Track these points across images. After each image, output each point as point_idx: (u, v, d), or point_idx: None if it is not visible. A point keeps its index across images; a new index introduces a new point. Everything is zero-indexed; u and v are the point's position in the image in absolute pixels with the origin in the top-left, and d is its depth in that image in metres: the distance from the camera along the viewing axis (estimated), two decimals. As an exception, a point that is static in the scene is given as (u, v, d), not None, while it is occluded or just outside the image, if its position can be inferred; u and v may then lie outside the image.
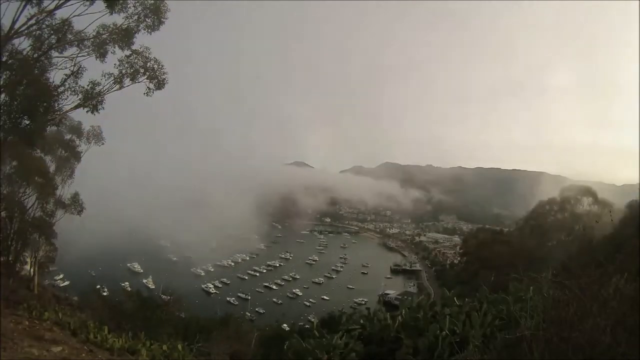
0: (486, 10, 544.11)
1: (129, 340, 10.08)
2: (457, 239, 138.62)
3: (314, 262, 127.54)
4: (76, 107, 13.99)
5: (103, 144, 28.09)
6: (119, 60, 14.39)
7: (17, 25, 12.14)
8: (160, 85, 14.94)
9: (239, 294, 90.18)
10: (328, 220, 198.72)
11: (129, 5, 13.98)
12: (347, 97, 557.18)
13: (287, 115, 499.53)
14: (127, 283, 79.77)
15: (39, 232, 30.06)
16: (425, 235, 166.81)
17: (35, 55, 13.29)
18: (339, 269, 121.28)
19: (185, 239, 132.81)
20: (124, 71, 14.42)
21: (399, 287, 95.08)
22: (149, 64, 14.58)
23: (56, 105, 13.51)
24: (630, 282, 4.56)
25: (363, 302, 77.77)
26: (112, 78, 14.31)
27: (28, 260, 31.20)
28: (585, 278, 4.45)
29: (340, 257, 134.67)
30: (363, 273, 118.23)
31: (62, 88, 13.44)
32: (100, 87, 14.15)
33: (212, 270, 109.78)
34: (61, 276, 69.26)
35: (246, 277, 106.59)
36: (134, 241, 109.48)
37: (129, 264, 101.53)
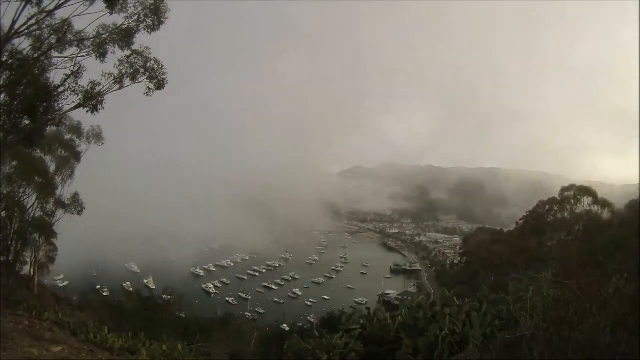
0: (479, 6, 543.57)
1: (129, 340, 10.10)
2: (457, 239, 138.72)
3: (314, 262, 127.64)
4: (76, 107, 13.95)
5: (103, 144, 28.09)
6: (119, 60, 14.36)
7: (17, 25, 12.13)
8: (160, 85, 14.93)
9: (239, 294, 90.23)
10: (328, 220, 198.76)
11: (129, 5, 13.96)
12: (347, 97, 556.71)
13: (285, 115, 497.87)
14: (128, 283, 79.95)
15: (39, 232, 30.07)
16: (425, 235, 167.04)
17: (35, 55, 13.26)
18: (339, 269, 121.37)
19: (185, 239, 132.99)
20: (124, 71, 14.41)
21: (398, 287, 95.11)
22: (149, 64, 14.56)
23: (56, 105, 13.47)
24: (630, 282, 4.56)
25: (363, 302, 77.85)
26: (112, 78, 14.30)
27: (28, 260, 31.18)
28: (585, 278, 4.46)
29: (340, 257, 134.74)
30: (363, 273, 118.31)
31: (62, 88, 13.41)
32: (100, 87, 14.12)
33: (213, 270, 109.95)
34: (61, 276, 69.23)
35: (246, 277, 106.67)
36: (134, 241, 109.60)
37: (126, 264, 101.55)
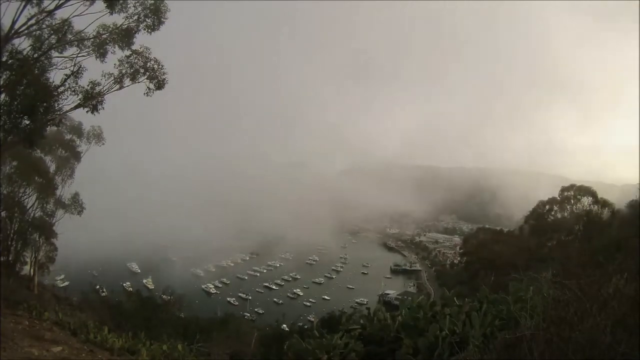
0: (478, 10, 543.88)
1: (129, 340, 10.10)
2: (457, 239, 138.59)
3: (314, 262, 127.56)
4: (76, 107, 13.95)
5: (103, 144, 28.14)
6: (119, 60, 14.39)
7: (17, 25, 12.13)
8: (160, 85, 14.94)
9: (239, 294, 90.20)
10: (328, 219, 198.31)
11: (129, 5, 13.98)
12: (347, 97, 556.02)
13: (284, 114, 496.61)
14: (128, 283, 79.97)
15: (39, 232, 30.11)
16: (425, 235, 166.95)
17: (35, 55, 13.26)
18: (339, 269, 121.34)
19: (185, 239, 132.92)
20: (124, 71, 14.42)
21: (399, 287, 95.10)
22: (149, 64, 14.58)
23: (56, 105, 13.47)
24: (630, 282, 4.57)
25: (363, 302, 77.83)
26: (112, 78, 14.31)
27: (28, 260, 31.21)
28: (585, 278, 4.46)
29: (340, 257, 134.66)
30: (363, 273, 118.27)
31: (62, 88, 13.41)
32: (100, 87, 14.13)
33: (213, 270, 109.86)
34: (61, 276, 69.22)
35: (246, 277, 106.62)
36: (134, 241, 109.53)
37: (128, 264, 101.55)
